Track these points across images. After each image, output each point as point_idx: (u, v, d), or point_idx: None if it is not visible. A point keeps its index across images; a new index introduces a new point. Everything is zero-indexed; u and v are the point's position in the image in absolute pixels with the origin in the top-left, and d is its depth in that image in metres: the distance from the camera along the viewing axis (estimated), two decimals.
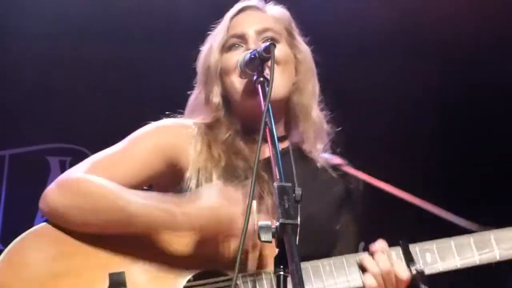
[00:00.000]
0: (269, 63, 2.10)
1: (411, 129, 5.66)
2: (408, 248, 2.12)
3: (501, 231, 2.15)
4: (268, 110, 1.97)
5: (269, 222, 1.78)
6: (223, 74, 2.36)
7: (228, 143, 2.32)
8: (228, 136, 2.33)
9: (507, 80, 5.21)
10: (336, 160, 2.46)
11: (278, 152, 1.93)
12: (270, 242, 1.77)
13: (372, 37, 5.13)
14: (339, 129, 2.48)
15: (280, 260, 1.76)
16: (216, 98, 2.36)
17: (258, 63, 2.17)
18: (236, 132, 2.36)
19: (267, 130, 1.97)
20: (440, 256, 2.11)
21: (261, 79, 2.12)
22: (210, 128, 2.35)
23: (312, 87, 2.44)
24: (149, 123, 2.39)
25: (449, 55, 5.37)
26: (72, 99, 5.12)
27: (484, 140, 5.37)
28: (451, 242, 2.13)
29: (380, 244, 2.15)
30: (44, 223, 2.20)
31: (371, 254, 2.13)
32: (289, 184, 1.83)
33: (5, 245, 5.35)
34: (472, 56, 5.22)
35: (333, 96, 5.41)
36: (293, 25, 2.49)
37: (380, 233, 2.19)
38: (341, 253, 2.21)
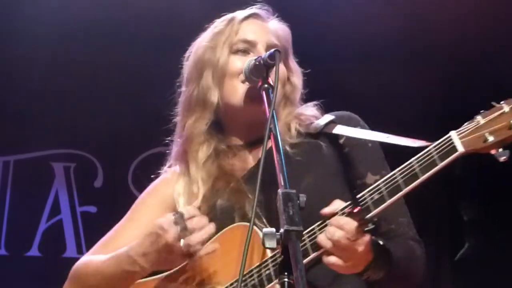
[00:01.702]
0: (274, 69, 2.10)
1: (414, 133, 5.65)
2: (356, 197, 2.00)
3: (438, 141, 2.06)
4: (272, 116, 1.97)
5: (273, 229, 1.78)
6: (226, 76, 2.33)
7: (210, 163, 2.33)
8: (210, 154, 2.33)
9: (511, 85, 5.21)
10: (324, 120, 2.38)
11: (283, 158, 1.93)
12: (275, 248, 1.77)
13: (377, 42, 5.13)
14: None
15: (285, 267, 1.76)
16: (214, 98, 2.33)
17: (263, 69, 2.16)
18: (216, 146, 2.35)
19: (272, 137, 1.97)
20: (386, 189, 1.99)
21: (266, 85, 2.12)
22: (189, 149, 2.35)
23: (297, 103, 2.43)
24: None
25: (453, 61, 5.37)
26: (77, 105, 5.13)
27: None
28: (396, 173, 2.02)
29: (331, 205, 2.03)
30: None
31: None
32: (294, 191, 1.83)
33: (10, 251, 5.40)
34: (477, 61, 5.22)
35: (336, 99, 5.43)
36: (291, 44, 2.47)
37: None
38: None
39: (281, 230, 1.75)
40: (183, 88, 2.43)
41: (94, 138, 5.07)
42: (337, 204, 2.03)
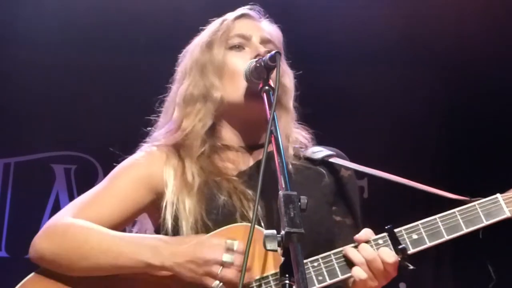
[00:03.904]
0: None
1: (415, 136, 5.65)
2: (393, 231, 2.10)
3: (483, 200, 2.15)
4: (273, 118, 1.97)
5: (274, 231, 1.78)
6: (226, 73, 2.34)
7: (203, 160, 2.30)
8: (202, 152, 2.31)
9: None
10: (323, 152, 2.43)
11: (284, 160, 1.93)
12: (276, 251, 1.77)
13: (377, 44, 5.14)
14: (327, 141, 2.48)
15: (286, 269, 1.76)
16: (218, 93, 2.33)
17: (263, 71, 2.17)
18: (212, 143, 2.34)
19: (273, 139, 1.97)
20: (426, 232, 2.10)
21: (267, 87, 2.12)
22: (183, 143, 2.32)
23: (290, 107, 2.43)
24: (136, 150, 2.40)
25: (453, 62, 5.37)
26: (77, 107, 5.14)
27: (490, 149, 5.36)
28: (436, 218, 2.12)
29: (364, 233, 2.12)
30: (33, 274, 2.22)
31: (357, 245, 2.11)
32: (295, 193, 1.83)
33: (10, 253, 5.37)
34: (477, 63, 5.22)
35: (337, 102, 5.43)
36: (283, 46, 2.48)
37: (378, 221, 2.18)
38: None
39: (282, 232, 1.75)
40: (178, 84, 2.43)
41: (94, 140, 5.07)
42: (369, 233, 2.12)
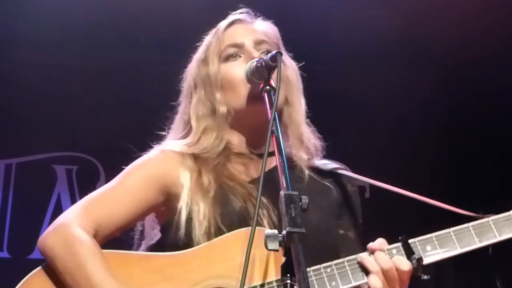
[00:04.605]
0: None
1: (415, 137, 5.65)
2: (408, 242, 2.13)
3: (497, 216, 2.19)
4: (274, 118, 1.97)
5: (275, 231, 1.78)
6: (225, 84, 2.35)
7: (219, 168, 2.31)
8: (218, 162, 2.32)
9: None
10: (332, 165, 2.45)
11: (285, 160, 1.93)
12: (277, 250, 1.77)
13: (377, 45, 5.13)
14: (327, 143, 2.48)
15: (287, 269, 1.76)
16: (223, 107, 2.35)
17: (264, 71, 2.17)
18: (227, 154, 2.35)
19: (274, 139, 1.97)
20: (440, 244, 2.13)
21: (268, 87, 2.13)
22: (199, 155, 2.33)
23: (299, 103, 2.44)
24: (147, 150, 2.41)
25: (453, 62, 5.37)
26: (78, 108, 5.13)
27: (490, 149, 5.36)
28: (450, 232, 2.16)
29: (378, 242, 2.13)
30: (39, 268, 2.22)
31: (371, 253, 2.12)
32: (296, 193, 1.83)
33: (12, 254, 5.37)
34: (477, 63, 5.22)
35: (336, 102, 5.43)
36: (281, 40, 2.49)
37: (383, 234, 2.19)
38: None
39: (283, 232, 1.75)
40: (187, 102, 2.45)
41: (96, 140, 5.07)
42: (383, 242, 2.13)
